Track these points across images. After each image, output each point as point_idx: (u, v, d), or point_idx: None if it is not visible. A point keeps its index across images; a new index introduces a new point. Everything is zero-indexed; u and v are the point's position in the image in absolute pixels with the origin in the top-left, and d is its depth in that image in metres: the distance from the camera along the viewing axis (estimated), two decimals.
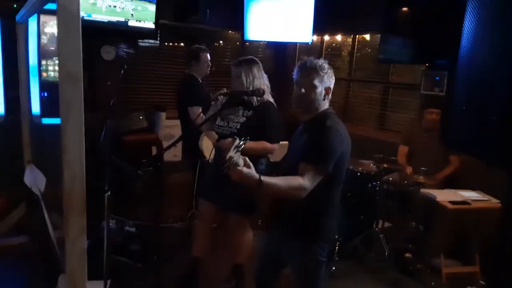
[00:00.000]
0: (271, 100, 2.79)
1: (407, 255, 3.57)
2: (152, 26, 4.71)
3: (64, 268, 1.12)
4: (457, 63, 1.47)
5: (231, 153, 1.60)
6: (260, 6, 5.56)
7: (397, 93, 5.24)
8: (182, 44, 5.62)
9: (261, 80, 2.75)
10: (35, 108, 3.17)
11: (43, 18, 3.04)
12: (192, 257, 3.07)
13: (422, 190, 3.47)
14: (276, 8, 5.47)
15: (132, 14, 4.54)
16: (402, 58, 4.33)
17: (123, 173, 3.69)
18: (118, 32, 4.58)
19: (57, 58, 3.18)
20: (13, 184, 2.81)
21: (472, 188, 3.56)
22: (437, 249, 3.38)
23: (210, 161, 2.95)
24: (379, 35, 4.63)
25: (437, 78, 4.39)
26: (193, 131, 3.44)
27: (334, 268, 3.37)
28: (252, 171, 1.67)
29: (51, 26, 3.10)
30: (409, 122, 4.68)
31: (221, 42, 6.12)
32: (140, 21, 4.62)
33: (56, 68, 3.21)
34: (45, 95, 3.13)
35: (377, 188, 3.60)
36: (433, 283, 3.27)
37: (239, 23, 5.67)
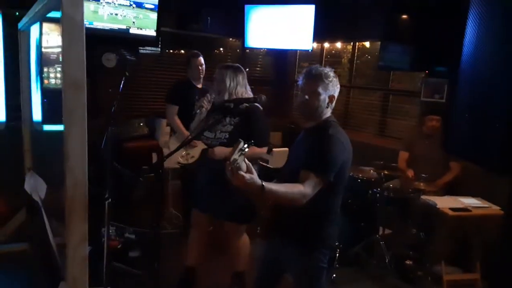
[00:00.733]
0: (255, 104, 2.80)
1: (408, 262, 3.56)
2: (154, 33, 4.74)
3: (65, 276, 1.11)
4: (459, 70, 1.47)
5: (235, 155, 1.58)
6: (260, 13, 5.60)
7: (397, 100, 5.26)
8: (182, 51, 5.65)
9: (244, 89, 2.76)
10: (36, 115, 3.17)
11: (45, 25, 3.05)
12: (187, 266, 3.06)
13: (423, 197, 3.47)
14: (277, 16, 5.51)
15: (133, 22, 4.57)
16: (401, 65, 4.35)
17: (124, 180, 3.70)
18: (120, 39, 4.61)
19: (58, 65, 3.20)
20: (13, 191, 2.81)
21: (473, 195, 3.56)
22: (438, 256, 3.38)
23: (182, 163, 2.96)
24: (379, 43, 4.66)
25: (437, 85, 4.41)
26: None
27: (334, 275, 3.36)
28: (254, 176, 1.67)
29: (53, 34, 3.12)
30: (409, 128, 4.69)
31: (221, 49, 6.15)
32: (141, 29, 4.65)
33: (58, 75, 3.24)
34: (47, 102, 3.14)
35: (378, 194, 3.60)
36: None
37: (239, 31, 5.71)
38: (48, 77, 3.21)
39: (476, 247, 3.36)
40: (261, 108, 2.76)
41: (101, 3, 4.31)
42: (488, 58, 1.33)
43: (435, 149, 3.84)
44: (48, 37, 3.12)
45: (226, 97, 2.68)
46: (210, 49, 5.90)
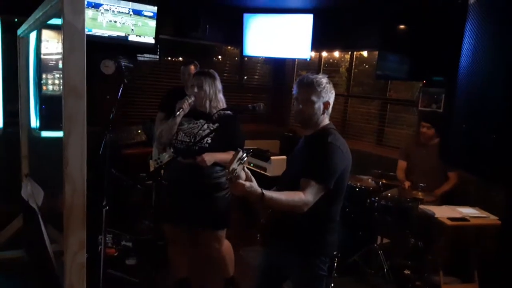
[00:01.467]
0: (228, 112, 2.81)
1: (406, 271, 3.55)
2: (152, 41, 4.76)
3: (62, 283, 1.11)
4: (456, 81, 1.48)
5: (234, 165, 1.58)
6: (259, 22, 5.63)
7: (395, 109, 5.27)
8: (181, 58, 5.67)
9: (221, 95, 2.79)
10: (34, 121, 3.17)
11: (45, 32, 3.07)
12: (178, 278, 3.03)
13: (421, 206, 3.47)
14: (275, 25, 5.55)
15: (132, 29, 4.59)
16: (399, 75, 4.37)
17: (122, 187, 3.69)
18: (118, 46, 4.62)
19: (57, 72, 3.20)
20: (10, 197, 2.80)
21: (470, 205, 3.56)
22: (436, 266, 3.37)
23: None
24: (376, 52, 4.69)
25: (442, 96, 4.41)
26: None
27: (333, 284, 3.33)
28: (254, 185, 1.67)
29: (52, 41, 3.13)
30: (407, 138, 4.70)
31: (220, 57, 6.17)
32: (140, 36, 4.66)
33: (56, 81, 3.24)
34: (45, 108, 3.14)
35: (376, 204, 3.59)
36: None
37: (238, 39, 5.74)
38: (47, 84, 3.21)
39: (474, 257, 3.36)
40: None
41: (100, 10, 4.33)
42: (485, 69, 1.34)
43: (432, 159, 3.84)
44: (47, 44, 3.13)
45: (207, 104, 2.70)
46: (209, 57, 5.92)
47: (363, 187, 3.78)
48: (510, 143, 1.22)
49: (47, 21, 1.53)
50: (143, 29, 4.66)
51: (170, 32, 5.28)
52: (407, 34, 4.16)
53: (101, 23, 4.37)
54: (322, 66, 6.04)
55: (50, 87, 3.23)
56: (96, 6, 4.30)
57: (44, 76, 3.18)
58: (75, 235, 1.06)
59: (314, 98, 1.96)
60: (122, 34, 4.54)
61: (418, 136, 4.15)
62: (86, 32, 0.98)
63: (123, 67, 5.00)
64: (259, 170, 5.01)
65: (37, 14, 1.67)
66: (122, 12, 4.48)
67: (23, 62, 2.88)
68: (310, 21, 5.24)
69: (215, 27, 5.51)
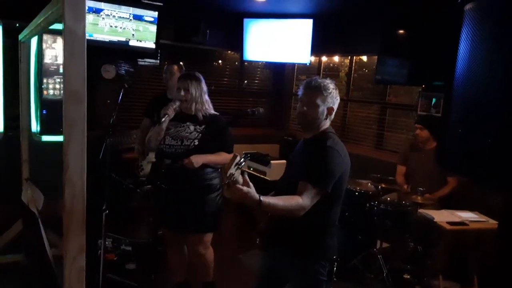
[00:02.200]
0: (214, 112, 2.83)
1: (406, 276, 3.54)
2: (153, 46, 4.78)
3: (62, 287, 1.11)
4: (453, 85, 1.49)
5: (232, 170, 1.57)
6: (259, 27, 5.66)
7: (394, 113, 5.29)
8: (181, 63, 5.68)
9: (206, 96, 2.79)
10: (35, 125, 3.18)
11: (46, 37, 3.08)
12: (177, 282, 3.02)
13: (420, 211, 3.47)
14: (275, 30, 5.58)
15: (133, 34, 4.61)
16: (398, 79, 4.38)
17: (121, 191, 3.69)
18: (119, 51, 4.64)
19: (58, 76, 3.21)
20: (10, 201, 2.80)
21: (470, 209, 3.56)
22: (436, 270, 3.36)
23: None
24: (376, 57, 4.70)
25: (434, 100, 4.44)
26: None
27: None
28: (252, 190, 1.67)
29: (54, 46, 3.15)
30: (405, 142, 4.71)
31: (220, 62, 6.19)
32: (141, 41, 4.69)
33: (57, 86, 3.26)
34: (45, 112, 3.16)
35: (375, 208, 3.59)
36: None
37: (238, 44, 5.77)
38: (47, 88, 3.23)
39: (474, 261, 3.35)
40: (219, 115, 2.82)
41: (101, 15, 4.36)
42: (481, 73, 1.35)
43: (430, 163, 3.84)
44: (48, 49, 3.15)
45: (193, 107, 2.71)
46: (209, 61, 5.95)
47: (362, 191, 3.78)
48: (507, 147, 1.23)
49: (48, 26, 1.54)
50: (143, 34, 4.68)
51: (171, 37, 5.31)
52: (406, 39, 4.18)
53: (102, 28, 4.39)
54: (321, 70, 6.06)
55: (51, 92, 3.24)
56: (97, 11, 4.32)
57: (45, 80, 3.19)
58: (75, 239, 1.06)
59: (319, 102, 1.96)
60: (123, 39, 4.56)
61: (415, 139, 4.15)
62: (87, 37, 1.00)
63: (124, 72, 5.02)
64: (258, 174, 5.01)
65: (38, 20, 1.68)
66: (123, 17, 4.51)
67: (24, 66, 2.89)
68: (309, 26, 5.27)
69: (216, 32, 5.54)
